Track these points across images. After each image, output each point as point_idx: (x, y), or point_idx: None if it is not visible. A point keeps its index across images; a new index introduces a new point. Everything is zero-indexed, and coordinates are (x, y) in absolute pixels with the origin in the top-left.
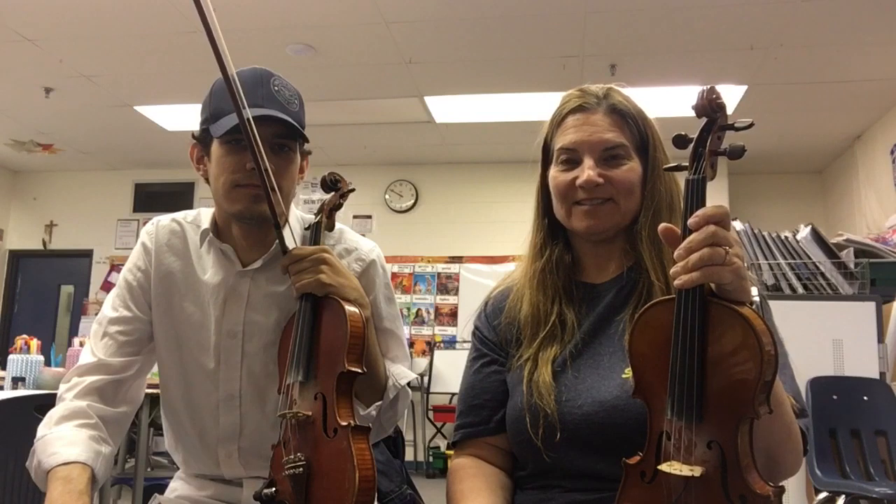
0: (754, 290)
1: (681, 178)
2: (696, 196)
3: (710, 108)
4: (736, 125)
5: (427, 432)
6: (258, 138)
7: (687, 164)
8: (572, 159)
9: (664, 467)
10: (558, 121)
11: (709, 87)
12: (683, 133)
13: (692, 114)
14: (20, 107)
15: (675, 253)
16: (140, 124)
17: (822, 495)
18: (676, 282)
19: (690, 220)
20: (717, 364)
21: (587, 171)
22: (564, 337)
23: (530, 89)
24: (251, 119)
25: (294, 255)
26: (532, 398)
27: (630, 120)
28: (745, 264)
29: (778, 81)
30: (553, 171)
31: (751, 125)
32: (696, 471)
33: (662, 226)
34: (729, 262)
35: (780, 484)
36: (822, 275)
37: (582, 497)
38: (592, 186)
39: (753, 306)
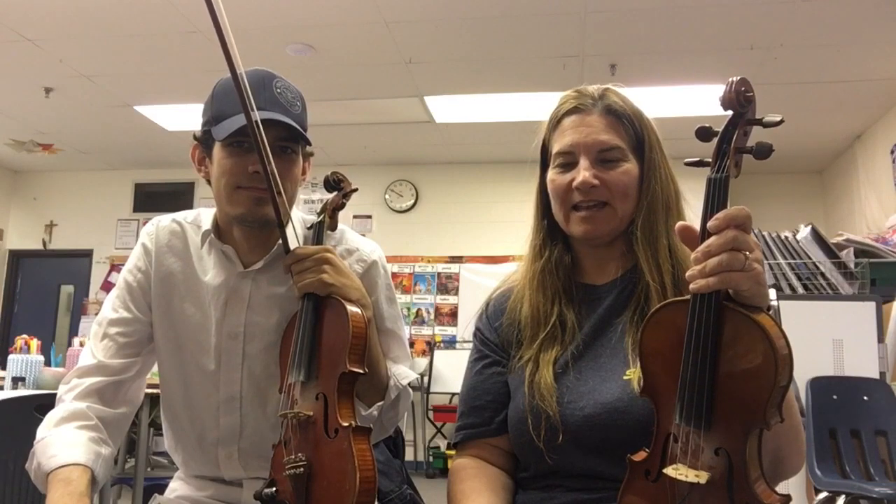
0: (773, 292)
1: (691, 174)
2: (718, 196)
3: (737, 100)
4: (765, 120)
5: (427, 432)
6: (266, 141)
7: (710, 160)
8: (569, 161)
9: (669, 472)
10: (555, 122)
11: (739, 77)
12: (708, 125)
13: (693, 113)
14: (20, 107)
15: (693, 255)
16: (140, 124)
17: (822, 495)
18: (692, 286)
19: (710, 223)
20: (730, 373)
21: (583, 171)
22: (565, 338)
23: (530, 89)
24: (259, 122)
25: (297, 255)
26: (534, 400)
27: (626, 120)
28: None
29: (778, 81)
30: (551, 174)
31: (781, 122)
32: (702, 477)
33: (680, 224)
34: (748, 267)
35: (787, 493)
36: (822, 275)
37: (584, 496)
38: (588, 188)
39: (771, 311)
